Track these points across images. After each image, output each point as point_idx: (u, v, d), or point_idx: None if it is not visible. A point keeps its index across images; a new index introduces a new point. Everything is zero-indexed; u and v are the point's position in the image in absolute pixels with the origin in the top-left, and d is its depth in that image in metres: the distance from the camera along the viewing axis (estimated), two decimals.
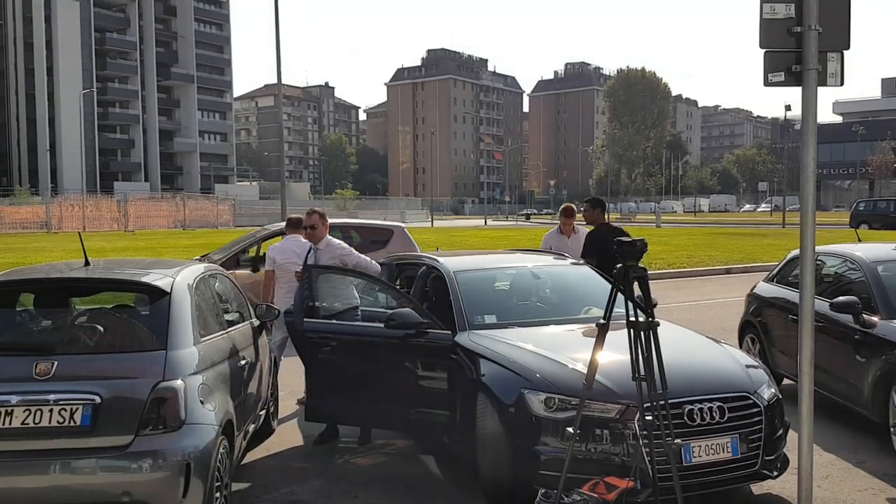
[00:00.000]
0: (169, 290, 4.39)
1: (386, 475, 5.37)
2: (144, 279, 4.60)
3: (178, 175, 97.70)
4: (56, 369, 3.88)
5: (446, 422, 5.27)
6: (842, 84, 3.37)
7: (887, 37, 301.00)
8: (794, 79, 3.35)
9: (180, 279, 4.59)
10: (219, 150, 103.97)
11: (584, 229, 8.16)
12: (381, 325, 5.58)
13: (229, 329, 5.15)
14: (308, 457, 5.81)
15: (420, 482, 5.19)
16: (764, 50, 3.42)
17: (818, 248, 7.05)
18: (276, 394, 6.53)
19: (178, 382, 3.96)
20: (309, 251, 6.75)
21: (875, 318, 5.76)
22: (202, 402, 4.07)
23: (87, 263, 4.90)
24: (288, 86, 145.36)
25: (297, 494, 4.98)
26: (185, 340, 4.23)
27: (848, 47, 3.43)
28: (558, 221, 8.48)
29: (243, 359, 5.14)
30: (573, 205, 8.62)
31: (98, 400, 3.80)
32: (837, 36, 3.38)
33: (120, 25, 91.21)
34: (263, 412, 5.92)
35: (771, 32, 3.35)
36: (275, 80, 18.83)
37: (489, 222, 64.64)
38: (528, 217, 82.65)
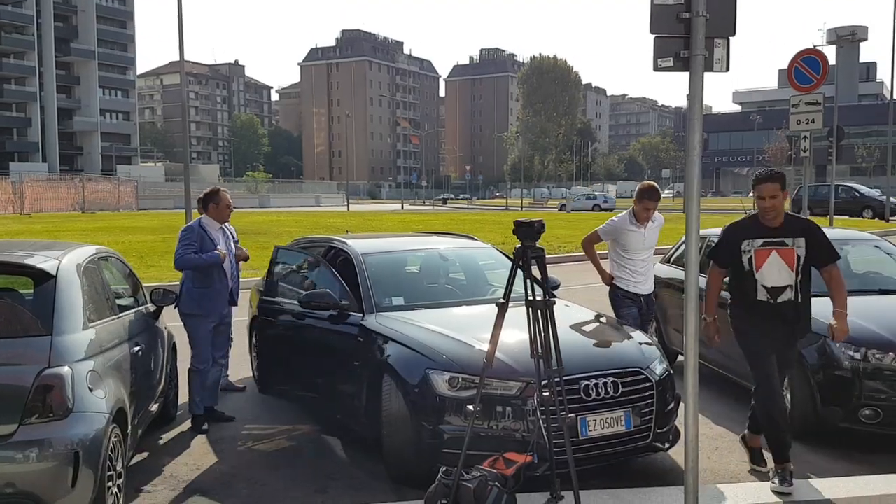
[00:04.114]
0: (55, 273, 4.19)
1: (290, 460, 5.31)
2: (28, 261, 4.36)
3: (77, 155, 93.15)
4: None
5: (353, 404, 5.26)
6: (727, 70, 3.51)
7: (785, 29, 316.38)
8: (682, 64, 3.47)
9: (67, 262, 4.39)
10: (121, 130, 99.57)
11: (661, 216, 6.40)
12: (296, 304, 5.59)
13: (121, 314, 4.97)
14: (209, 444, 5.67)
15: (325, 466, 5.15)
16: (654, 35, 3.53)
17: (710, 231, 7.36)
18: (176, 381, 6.34)
19: (65, 369, 3.80)
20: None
21: None
22: (91, 390, 3.92)
23: None
24: (195, 63, 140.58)
25: (196, 483, 4.87)
26: (73, 325, 4.06)
27: (734, 34, 3.57)
28: (637, 205, 6.17)
29: (137, 344, 4.96)
30: (655, 184, 6.39)
31: None
32: (724, 23, 3.52)
33: None
34: (162, 399, 5.75)
35: (661, 18, 3.46)
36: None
37: (406, 207, 64.58)
38: (444, 202, 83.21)
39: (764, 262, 4.63)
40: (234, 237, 6.56)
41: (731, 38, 3.61)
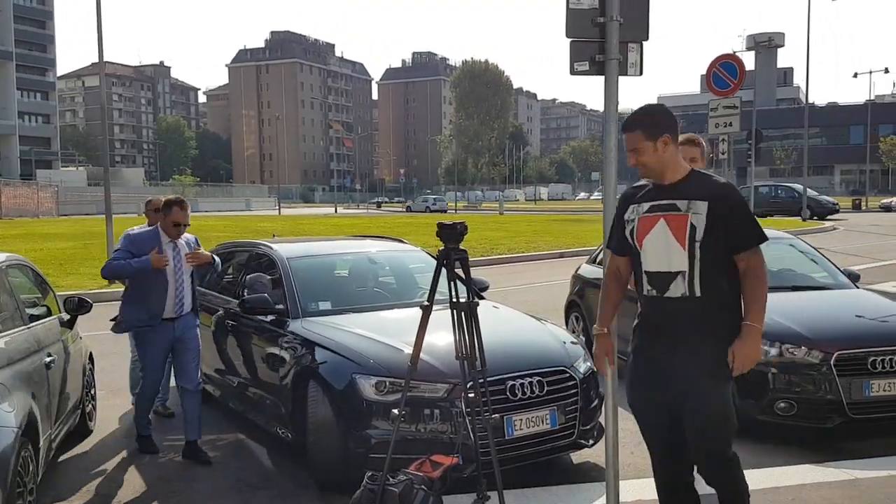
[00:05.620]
0: None
1: (214, 470, 5.16)
2: None
3: None
4: None
5: (278, 411, 5.18)
6: (641, 73, 3.60)
7: (708, 36, 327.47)
8: (597, 68, 3.53)
9: None
10: (41, 133, 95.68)
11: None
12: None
13: (32, 324, 4.76)
14: (128, 457, 5.47)
15: (250, 475, 5.03)
16: (570, 40, 3.58)
17: None
18: (94, 392, 6.11)
19: None
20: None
21: None
22: None
23: None
24: (118, 64, 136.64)
25: (114, 497, 4.69)
26: None
27: (647, 38, 3.66)
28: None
29: (49, 356, 4.75)
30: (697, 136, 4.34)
31: None
32: (637, 28, 3.60)
33: None
34: (78, 412, 5.54)
35: (576, 23, 3.52)
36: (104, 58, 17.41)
37: (340, 210, 64.11)
38: (379, 205, 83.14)
39: (646, 235, 3.09)
40: (191, 246, 5.53)
41: (645, 43, 3.69)
